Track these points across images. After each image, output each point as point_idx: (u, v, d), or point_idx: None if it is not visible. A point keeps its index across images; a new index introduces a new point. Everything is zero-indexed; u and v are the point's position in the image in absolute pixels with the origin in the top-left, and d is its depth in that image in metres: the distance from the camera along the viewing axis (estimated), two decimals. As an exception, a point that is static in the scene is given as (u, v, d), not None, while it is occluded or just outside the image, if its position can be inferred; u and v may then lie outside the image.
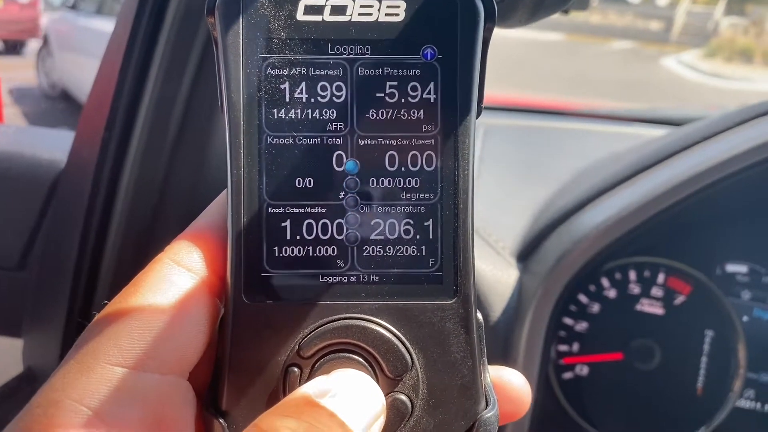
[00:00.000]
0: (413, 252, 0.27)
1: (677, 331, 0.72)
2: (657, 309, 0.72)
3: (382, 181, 0.26)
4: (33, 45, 6.05)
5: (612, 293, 0.72)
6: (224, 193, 0.27)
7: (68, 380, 0.23)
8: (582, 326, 0.72)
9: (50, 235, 0.69)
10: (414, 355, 0.26)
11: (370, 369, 0.26)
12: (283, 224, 0.26)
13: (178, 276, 0.25)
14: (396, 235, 0.26)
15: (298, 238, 0.26)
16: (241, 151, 0.26)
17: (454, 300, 0.26)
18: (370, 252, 0.27)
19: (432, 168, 0.26)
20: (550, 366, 0.72)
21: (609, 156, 0.74)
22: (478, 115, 0.27)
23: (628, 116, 1.07)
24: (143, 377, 0.24)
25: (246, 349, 0.26)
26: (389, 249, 0.27)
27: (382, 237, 0.26)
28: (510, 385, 0.29)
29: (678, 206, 0.62)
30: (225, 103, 0.26)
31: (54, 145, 0.72)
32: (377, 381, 0.26)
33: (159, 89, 0.56)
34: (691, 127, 0.71)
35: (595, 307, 0.72)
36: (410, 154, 0.26)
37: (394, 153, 0.26)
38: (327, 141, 0.26)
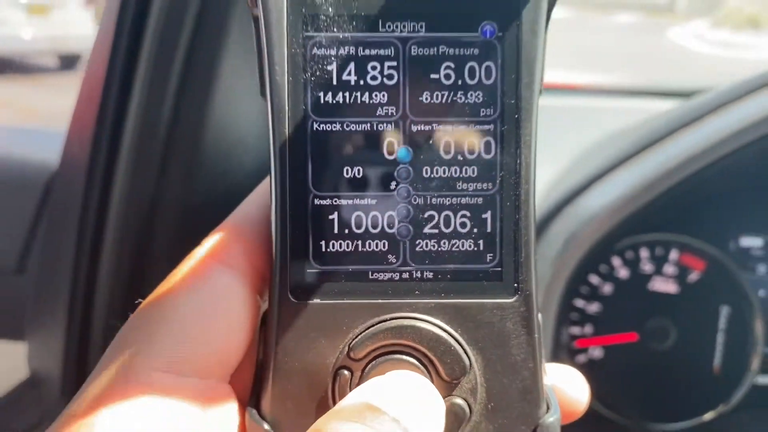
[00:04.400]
0: (470, 246, 0.25)
1: (692, 308, 0.70)
2: (671, 287, 0.71)
3: (437, 170, 0.25)
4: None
5: (624, 273, 0.71)
6: (265, 183, 0.26)
7: (104, 387, 0.22)
8: (594, 308, 0.71)
9: (47, 238, 0.68)
10: (472, 357, 0.25)
11: (425, 371, 0.24)
12: (330, 217, 0.25)
13: (216, 272, 0.24)
14: (452, 229, 0.25)
15: (346, 231, 0.25)
16: (286, 137, 0.24)
17: (515, 298, 0.25)
18: (424, 246, 0.25)
19: (491, 156, 0.25)
20: (563, 350, 0.70)
21: (616, 132, 0.72)
22: (540, 95, 0.25)
23: (635, 90, 1.05)
24: (181, 382, 0.22)
25: (292, 350, 0.24)
26: (444, 243, 0.25)
27: (436, 230, 0.25)
28: (570, 386, 0.28)
29: (689, 181, 0.60)
30: (268, 85, 0.24)
31: (44, 146, 0.71)
32: (433, 384, 0.24)
33: (148, 84, 0.54)
34: (699, 100, 0.69)
35: (607, 288, 0.71)
36: (467, 140, 0.25)
37: (450, 140, 0.25)
38: (377, 127, 0.25)
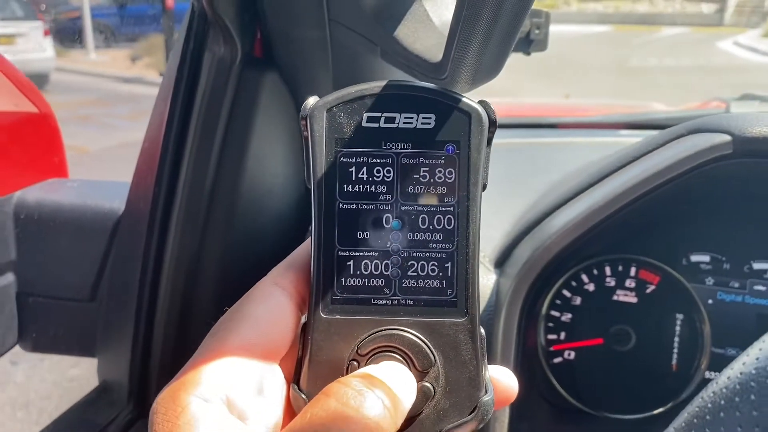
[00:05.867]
0: (437, 285, 0.36)
1: (649, 316, 0.82)
2: (631, 298, 0.83)
3: (417, 235, 0.36)
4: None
5: (591, 287, 0.84)
6: (309, 240, 0.37)
7: (208, 356, 0.33)
8: (567, 317, 0.83)
9: (114, 272, 0.83)
10: (436, 356, 0.35)
11: (406, 363, 0.35)
12: (348, 263, 0.35)
13: (276, 292, 0.36)
14: (425, 273, 0.36)
15: (358, 272, 0.36)
16: (322, 212, 0.36)
17: (465, 319, 0.36)
18: (407, 284, 0.36)
19: (451, 227, 0.36)
20: (540, 353, 0.83)
21: (577, 169, 0.85)
22: (483, 189, 0.37)
23: (615, 123, 1.18)
24: (251, 358, 0.34)
25: (321, 348, 0.36)
26: (420, 282, 0.36)
27: (415, 273, 0.36)
28: (503, 379, 0.38)
29: (638, 207, 0.72)
30: (312, 179, 0.36)
31: (112, 195, 0.85)
32: (410, 371, 0.36)
33: (195, 152, 0.69)
34: (637, 144, 0.81)
35: (578, 300, 0.83)
36: (436, 217, 0.36)
37: (425, 216, 0.36)
38: (380, 207, 0.36)
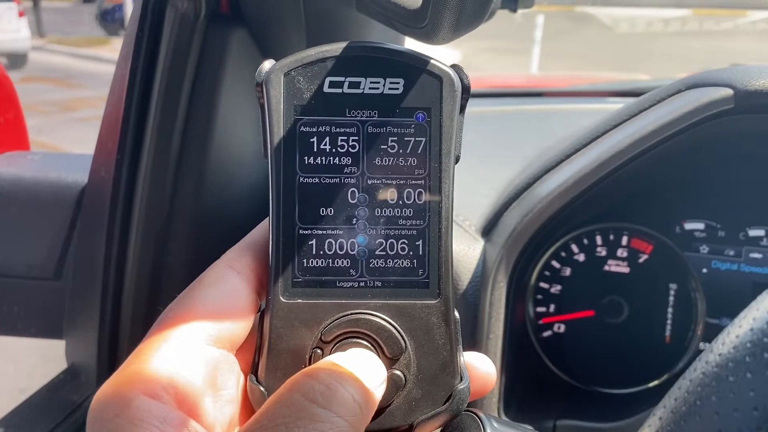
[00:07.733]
0: (407, 264, 0.34)
1: (642, 286, 0.79)
2: (623, 268, 0.80)
3: (385, 210, 0.33)
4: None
5: (581, 257, 0.80)
6: (267, 219, 0.34)
7: (153, 347, 0.30)
8: (556, 289, 0.80)
9: (80, 247, 0.79)
10: (407, 341, 0.33)
11: (374, 350, 0.33)
12: (310, 242, 0.33)
13: (230, 276, 0.33)
14: (394, 251, 0.33)
15: (321, 252, 0.33)
16: (281, 187, 0.33)
17: (437, 300, 0.33)
18: (375, 264, 0.33)
19: (422, 201, 0.33)
20: (529, 326, 0.80)
21: (565, 135, 0.81)
22: (456, 161, 0.34)
23: (603, 91, 1.14)
24: (205, 348, 0.31)
25: (281, 335, 0.33)
26: (389, 261, 0.33)
27: (384, 252, 0.33)
28: (480, 365, 0.36)
29: (628, 172, 0.69)
30: (269, 151, 0.33)
31: (74, 167, 0.81)
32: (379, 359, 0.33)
33: (159, 115, 0.64)
34: (626, 106, 0.77)
35: (567, 271, 0.80)
36: (406, 191, 0.33)
37: (394, 190, 0.33)
38: (344, 180, 0.33)
